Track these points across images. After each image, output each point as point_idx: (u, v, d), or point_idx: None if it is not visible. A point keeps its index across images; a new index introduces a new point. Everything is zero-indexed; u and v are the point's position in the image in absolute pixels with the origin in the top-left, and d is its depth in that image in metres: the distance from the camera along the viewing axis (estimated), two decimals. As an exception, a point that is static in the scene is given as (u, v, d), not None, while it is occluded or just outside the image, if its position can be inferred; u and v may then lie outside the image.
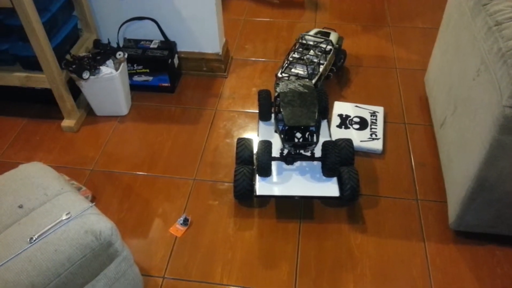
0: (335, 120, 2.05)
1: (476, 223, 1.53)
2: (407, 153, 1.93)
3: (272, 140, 1.76)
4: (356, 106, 2.12)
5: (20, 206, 1.18)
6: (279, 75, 1.97)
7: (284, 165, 1.71)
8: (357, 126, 2.01)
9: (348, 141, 1.74)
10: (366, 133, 1.98)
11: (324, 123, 1.91)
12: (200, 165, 1.91)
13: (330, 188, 1.62)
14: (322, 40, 2.12)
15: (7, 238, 1.11)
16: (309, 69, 1.99)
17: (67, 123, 2.07)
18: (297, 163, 1.72)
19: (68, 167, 1.92)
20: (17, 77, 1.94)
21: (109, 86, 2.00)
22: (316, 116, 1.58)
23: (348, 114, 2.08)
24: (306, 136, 1.61)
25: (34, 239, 1.09)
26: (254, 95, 2.25)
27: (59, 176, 1.31)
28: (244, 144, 1.73)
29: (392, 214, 1.70)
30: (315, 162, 1.72)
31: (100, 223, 1.15)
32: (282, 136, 1.60)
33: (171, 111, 2.18)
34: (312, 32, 2.20)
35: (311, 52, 2.07)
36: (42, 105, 2.22)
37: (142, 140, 2.03)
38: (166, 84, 2.24)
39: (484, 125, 1.33)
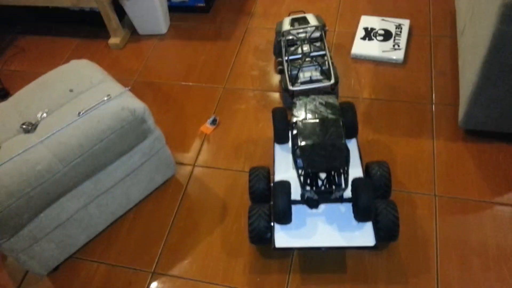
0: (360, 33, 2.12)
1: (483, 120, 1.61)
2: (428, 63, 1.98)
3: (291, 175, 1.46)
4: (383, 19, 2.17)
5: (71, 90, 1.42)
6: (291, 88, 1.61)
7: (307, 208, 1.40)
8: (381, 38, 2.08)
9: (384, 167, 1.43)
10: (389, 44, 2.05)
11: (353, 144, 1.55)
12: (230, 75, 2.08)
13: (363, 236, 1.32)
14: (313, 28, 1.78)
15: (61, 114, 1.36)
16: (322, 67, 1.68)
17: (113, 40, 2.30)
18: (323, 204, 1.41)
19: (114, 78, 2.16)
20: (68, -2, 2.17)
21: (149, 4, 2.18)
22: (344, 154, 1.28)
23: (374, 27, 2.14)
24: (332, 177, 1.31)
25: (81, 113, 1.33)
26: (284, 13, 2.35)
27: (102, 70, 1.53)
28: (258, 176, 1.44)
29: (406, 115, 1.80)
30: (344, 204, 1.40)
31: (134, 103, 1.37)
32: (301, 180, 1.30)
33: (205, 29, 2.34)
34: (287, 24, 1.86)
35: (307, 47, 1.73)
36: (91, 27, 2.46)
37: (179, 56, 2.23)
38: (201, 4, 2.39)
39: (490, 18, 1.38)
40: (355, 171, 1.34)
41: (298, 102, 1.44)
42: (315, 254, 1.44)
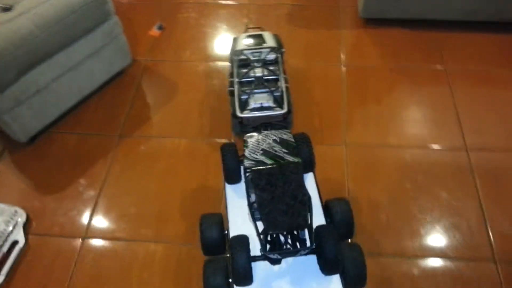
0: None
1: (378, 8, 2.06)
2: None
3: (248, 223, 1.21)
4: None
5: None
6: (240, 114, 1.49)
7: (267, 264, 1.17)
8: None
9: (345, 205, 1.28)
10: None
11: (311, 180, 1.38)
12: (171, -7, 2.39)
13: None
14: (268, 50, 1.63)
15: (32, -4, 1.61)
16: (274, 94, 1.53)
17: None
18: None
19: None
20: None
21: None
22: (308, 209, 1.12)
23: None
24: (294, 234, 1.13)
25: (51, -6, 1.59)
26: None
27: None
28: (209, 223, 1.25)
29: (319, 15, 2.22)
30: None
31: (96, -13, 1.65)
32: (261, 240, 1.10)
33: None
34: (242, 42, 1.70)
35: (260, 70, 1.59)
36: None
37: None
38: None
39: None
40: (316, 212, 1.17)
41: (250, 141, 1.28)
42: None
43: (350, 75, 1.94)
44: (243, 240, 1.12)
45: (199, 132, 1.77)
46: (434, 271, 1.38)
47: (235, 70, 1.60)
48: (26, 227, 1.52)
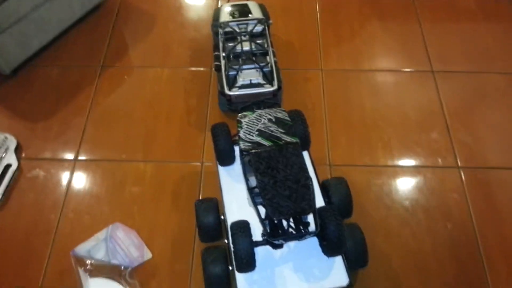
0: None
1: None
2: None
3: (245, 208, 1.19)
4: None
5: None
6: (228, 92, 1.45)
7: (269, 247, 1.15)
8: None
9: (341, 181, 1.30)
10: None
11: (306, 159, 1.31)
12: None
13: (336, 276, 1.15)
14: (254, 22, 1.58)
15: None
16: (264, 70, 1.51)
17: None
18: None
19: None
20: None
21: None
22: (311, 192, 1.08)
23: None
24: (297, 217, 1.10)
25: None
26: None
27: None
28: (204, 208, 1.26)
29: None
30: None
31: None
32: (265, 226, 1.08)
33: None
34: (226, 13, 1.64)
35: (248, 44, 1.54)
36: None
37: None
38: None
39: None
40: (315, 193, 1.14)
41: (244, 121, 1.21)
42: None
43: (323, 8, 2.01)
44: (244, 226, 1.08)
45: (180, 61, 1.82)
46: (404, 178, 1.52)
47: (220, 44, 1.53)
48: (17, 153, 1.57)
